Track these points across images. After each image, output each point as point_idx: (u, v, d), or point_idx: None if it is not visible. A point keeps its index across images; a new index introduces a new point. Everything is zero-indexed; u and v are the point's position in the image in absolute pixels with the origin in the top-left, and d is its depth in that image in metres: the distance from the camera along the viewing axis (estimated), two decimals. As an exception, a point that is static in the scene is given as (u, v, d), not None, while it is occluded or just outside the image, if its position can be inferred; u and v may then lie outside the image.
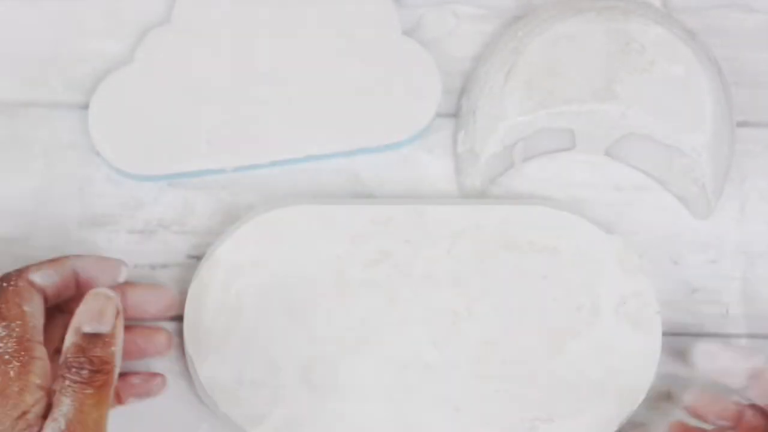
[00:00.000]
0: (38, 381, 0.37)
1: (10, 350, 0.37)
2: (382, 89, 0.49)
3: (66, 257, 0.42)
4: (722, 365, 0.44)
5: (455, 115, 0.51)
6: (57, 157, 0.49)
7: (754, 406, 0.44)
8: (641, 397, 0.44)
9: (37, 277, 0.40)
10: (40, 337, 0.38)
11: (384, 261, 0.45)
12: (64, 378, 0.36)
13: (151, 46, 0.49)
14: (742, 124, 0.50)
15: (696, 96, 0.47)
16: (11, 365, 0.36)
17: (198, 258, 0.47)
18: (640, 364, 0.44)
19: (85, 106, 0.48)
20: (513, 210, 0.46)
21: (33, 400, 0.36)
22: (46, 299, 0.40)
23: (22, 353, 0.37)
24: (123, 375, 0.44)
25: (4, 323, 0.38)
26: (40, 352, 0.38)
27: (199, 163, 0.48)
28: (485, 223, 0.46)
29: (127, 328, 0.41)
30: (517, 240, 0.46)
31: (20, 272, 0.40)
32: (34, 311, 0.39)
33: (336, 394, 0.44)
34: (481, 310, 0.45)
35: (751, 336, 0.46)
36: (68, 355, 0.37)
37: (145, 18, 0.50)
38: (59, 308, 0.42)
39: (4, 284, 0.39)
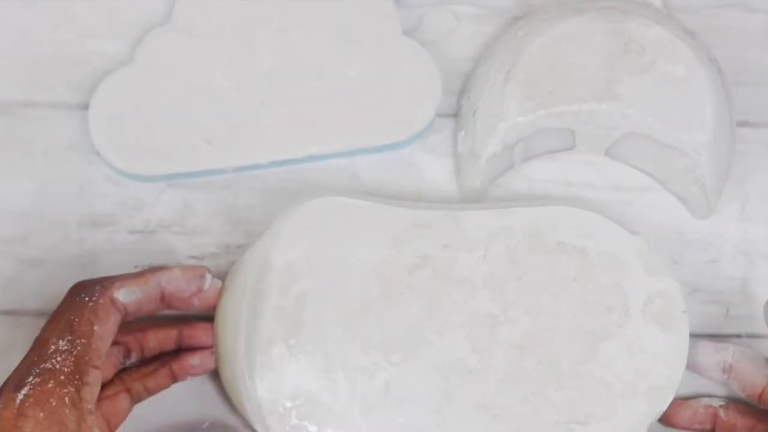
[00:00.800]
0: (89, 406, 0.37)
1: (66, 370, 0.37)
2: (382, 89, 0.49)
3: (152, 272, 0.42)
4: (696, 360, 0.45)
5: (455, 115, 0.51)
6: (57, 157, 0.49)
7: (728, 405, 0.44)
8: (671, 396, 0.44)
9: (121, 295, 0.40)
10: (99, 361, 0.38)
11: (425, 266, 0.45)
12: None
13: (151, 46, 0.49)
14: (742, 124, 0.50)
15: (696, 96, 0.47)
16: (66, 390, 0.36)
17: (198, 258, 0.47)
18: (669, 364, 0.44)
19: (85, 106, 0.48)
20: (539, 211, 0.46)
21: (86, 427, 0.36)
22: (126, 314, 0.41)
23: (77, 378, 0.37)
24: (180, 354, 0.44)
25: (70, 337, 0.38)
26: (93, 377, 0.38)
27: (199, 163, 0.48)
28: (515, 225, 0.46)
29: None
30: (546, 242, 0.46)
31: (105, 288, 0.40)
32: (104, 333, 0.39)
33: (384, 403, 0.43)
34: (515, 313, 0.45)
35: (751, 336, 0.46)
36: None
37: (145, 18, 0.50)
38: None
39: (86, 298, 0.39)
